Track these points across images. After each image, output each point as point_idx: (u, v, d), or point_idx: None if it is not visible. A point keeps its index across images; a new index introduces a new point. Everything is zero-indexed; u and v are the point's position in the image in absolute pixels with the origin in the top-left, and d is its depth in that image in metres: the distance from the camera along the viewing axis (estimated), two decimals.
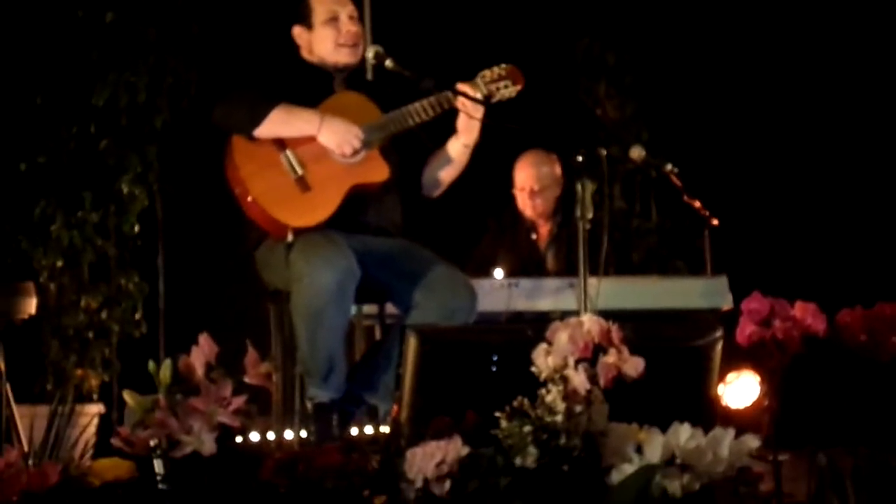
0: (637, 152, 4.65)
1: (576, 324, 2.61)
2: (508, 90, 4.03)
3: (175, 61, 5.85)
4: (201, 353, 2.15)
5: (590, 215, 3.99)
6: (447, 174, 4.14)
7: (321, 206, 3.92)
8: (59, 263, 5.85)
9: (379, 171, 3.99)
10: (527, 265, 5.18)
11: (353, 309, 4.03)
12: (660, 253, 5.86)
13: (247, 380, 2.20)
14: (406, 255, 4.03)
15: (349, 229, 3.94)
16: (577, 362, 2.59)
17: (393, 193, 4.10)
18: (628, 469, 2.58)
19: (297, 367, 4.03)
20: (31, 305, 4.68)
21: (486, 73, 4.05)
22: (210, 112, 3.96)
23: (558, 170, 5.36)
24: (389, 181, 4.01)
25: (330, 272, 3.77)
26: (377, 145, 4.00)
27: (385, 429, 3.21)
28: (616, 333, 2.62)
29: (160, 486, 2.13)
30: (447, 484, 2.35)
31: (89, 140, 5.90)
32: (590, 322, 2.61)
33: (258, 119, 3.88)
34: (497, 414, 2.62)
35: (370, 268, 3.91)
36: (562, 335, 2.60)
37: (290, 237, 3.85)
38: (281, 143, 3.95)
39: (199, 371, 2.14)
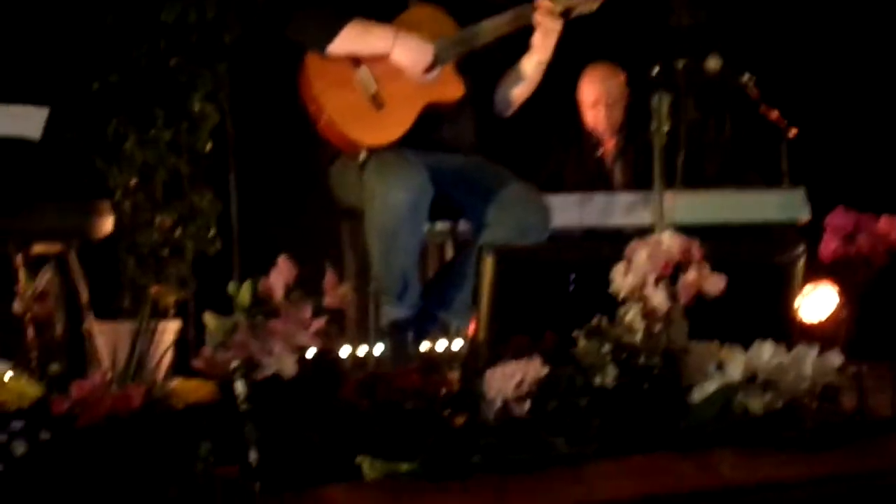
0: (713, 63, 4.55)
1: (655, 241, 2.57)
2: (587, 5, 3.95)
3: None
4: (280, 274, 2.14)
5: (666, 128, 3.93)
6: (520, 92, 4.09)
7: (395, 124, 3.89)
8: (133, 182, 5.87)
9: (454, 89, 3.95)
10: (594, 180, 5.13)
11: (426, 226, 4.00)
12: (735, 165, 5.76)
13: (326, 302, 2.19)
14: (480, 172, 4.00)
15: (423, 147, 3.92)
16: (656, 281, 2.55)
17: (467, 111, 4.05)
18: (709, 387, 2.55)
19: (371, 286, 4.03)
20: (107, 224, 4.70)
21: None
22: (283, 27, 3.93)
23: (624, 81, 5.26)
24: (463, 98, 3.97)
25: (404, 190, 3.75)
26: (452, 61, 3.95)
27: (458, 343, 3.20)
28: (697, 250, 2.57)
29: (241, 407, 2.13)
30: (527, 404, 2.34)
31: (160, 58, 5.89)
32: (670, 239, 2.57)
33: (332, 34, 3.85)
34: (575, 333, 2.60)
35: (443, 185, 3.89)
36: (641, 253, 2.57)
37: (363, 155, 3.83)
38: (355, 60, 3.91)
39: (279, 293, 2.13)
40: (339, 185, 4.03)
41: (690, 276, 2.56)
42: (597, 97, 5.28)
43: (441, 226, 4.50)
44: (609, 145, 5.29)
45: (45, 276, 2.39)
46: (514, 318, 2.69)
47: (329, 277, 2.22)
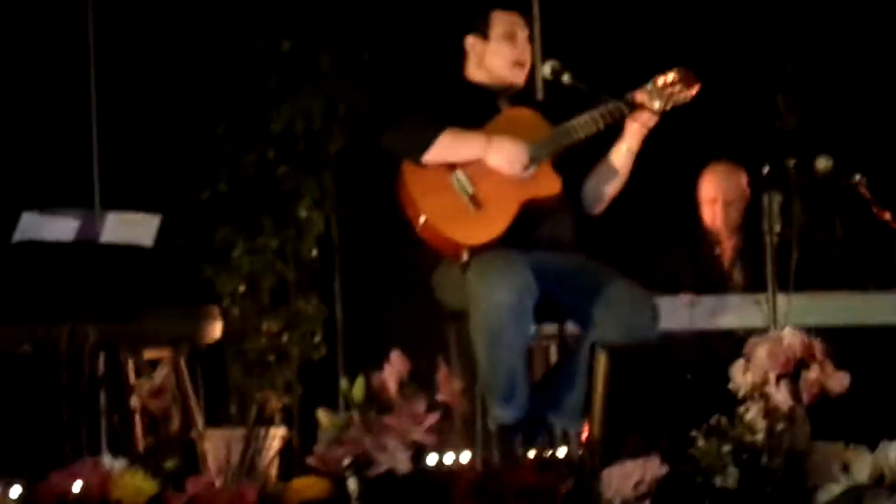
0: (823, 163, 4.48)
1: (776, 338, 2.51)
2: (683, 94, 3.93)
3: (348, 88, 5.91)
4: (394, 369, 2.12)
5: (777, 228, 3.87)
6: (611, 186, 4.05)
7: (494, 223, 3.88)
8: (241, 288, 5.94)
9: (551, 185, 3.94)
10: (710, 281, 5.05)
11: (532, 328, 3.96)
12: (846, 267, 5.65)
13: (439, 398, 2.16)
14: (583, 271, 3.96)
15: (524, 246, 3.89)
16: (777, 378, 2.48)
17: (566, 208, 4.03)
18: (835, 489, 2.46)
19: (477, 388, 3.99)
20: (215, 330, 4.75)
21: (659, 77, 3.96)
22: (379, 138, 3.98)
23: (745, 182, 5.21)
24: (561, 195, 3.95)
25: (507, 289, 3.72)
26: (548, 159, 3.94)
27: (564, 449, 3.14)
28: (819, 347, 2.50)
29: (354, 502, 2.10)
30: (646, 503, 2.27)
31: (267, 167, 6.00)
32: (790, 336, 2.51)
33: (426, 145, 3.87)
34: (693, 433, 2.53)
35: (547, 284, 3.86)
36: (761, 350, 2.51)
37: (465, 256, 3.83)
38: (451, 165, 3.93)
39: (392, 387, 2.11)
40: (442, 289, 4.02)
41: (813, 373, 2.48)
42: (716, 194, 5.22)
43: (548, 328, 4.46)
44: (727, 245, 5.22)
45: (163, 373, 2.40)
46: (628, 417, 2.63)
47: (442, 371, 2.20)
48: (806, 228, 5.51)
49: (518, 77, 4.02)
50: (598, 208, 4.12)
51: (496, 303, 3.74)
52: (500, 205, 3.91)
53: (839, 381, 2.49)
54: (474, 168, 3.92)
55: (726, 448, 2.47)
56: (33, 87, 5.38)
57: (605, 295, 3.85)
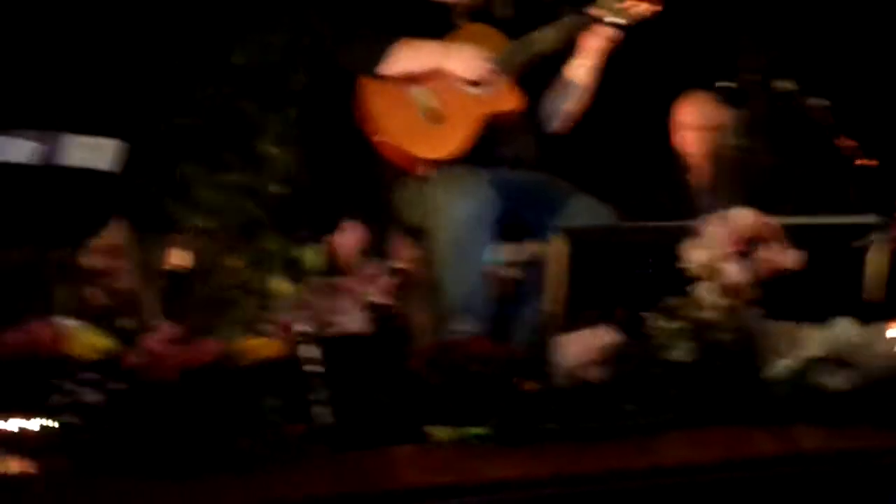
0: (783, 83, 4.48)
1: (730, 216, 2.53)
2: (643, 9, 3.91)
3: (311, 19, 5.86)
4: (349, 235, 2.13)
5: (738, 142, 3.89)
6: (568, 103, 4.04)
7: (454, 137, 3.87)
8: (205, 224, 5.89)
9: (511, 100, 3.93)
10: (686, 206, 5.06)
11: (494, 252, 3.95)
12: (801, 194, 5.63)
13: (395, 265, 2.18)
14: (545, 188, 3.96)
15: (485, 163, 3.89)
16: (731, 255, 2.51)
17: (528, 127, 4.03)
18: (784, 363, 2.49)
19: (435, 305, 3.99)
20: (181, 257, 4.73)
21: None
22: (337, 57, 3.96)
23: (718, 110, 5.21)
24: (523, 112, 3.95)
25: (468, 201, 3.72)
26: (508, 75, 3.93)
27: None
28: (771, 225, 2.53)
29: (308, 370, 2.11)
30: (600, 370, 2.29)
31: (229, 101, 5.94)
32: (743, 214, 2.53)
33: (381, 56, 3.85)
34: (647, 313, 2.56)
35: (509, 201, 3.86)
36: (713, 228, 2.53)
37: (425, 171, 3.83)
38: (409, 79, 3.92)
39: (348, 253, 2.12)
40: (404, 205, 4.01)
41: (765, 250, 2.51)
42: (693, 120, 5.23)
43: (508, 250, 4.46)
44: (700, 172, 5.24)
45: (115, 228, 2.40)
46: (584, 299, 2.65)
47: (397, 239, 2.21)
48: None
49: None
50: (555, 125, 4.10)
51: (457, 215, 3.74)
52: (461, 119, 3.90)
53: (792, 259, 2.52)
54: (434, 83, 3.91)
55: (679, 325, 2.49)
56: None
57: (567, 211, 3.85)
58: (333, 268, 2.12)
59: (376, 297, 2.07)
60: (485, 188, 3.78)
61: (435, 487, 1.91)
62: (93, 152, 4.54)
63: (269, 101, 5.89)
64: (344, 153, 4.58)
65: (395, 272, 2.13)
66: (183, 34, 5.71)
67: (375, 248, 2.20)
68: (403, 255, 2.20)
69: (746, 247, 2.51)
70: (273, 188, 5.92)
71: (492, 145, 3.93)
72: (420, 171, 3.84)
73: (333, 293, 2.06)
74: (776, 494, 2.15)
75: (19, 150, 4.40)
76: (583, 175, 4.16)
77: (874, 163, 4.69)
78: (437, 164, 3.84)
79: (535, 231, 4.01)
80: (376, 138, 3.90)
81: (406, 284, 2.15)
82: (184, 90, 5.81)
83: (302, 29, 5.88)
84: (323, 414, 2.08)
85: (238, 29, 5.73)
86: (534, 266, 4.03)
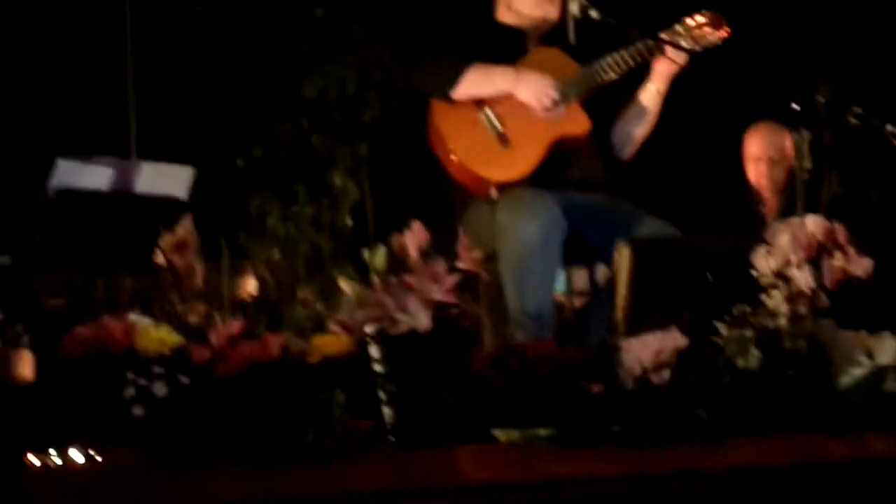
0: (854, 115, 4.45)
1: (798, 223, 2.51)
2: (711, 37, 3.92)
3: (383, 55, 5.93)
4: (414, 236, 2.15)
5: (808, 165, 3.86)
6: (639, 128, 4.04)
7: (523, 161, 3.89)
8: (276, 256, 5.96)
9: (580, 124, 3.94)
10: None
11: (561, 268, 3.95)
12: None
13: (460, 265, 2.19)
14: (613, 210, 3.96)
15: (552, 185, 3.90)
16: (799, 262, 2.49)
17: (595, 149, 4.04)
18: (858, 372, 2.46)
19: (507, 328, 3.99)
20: (250, 285, 4.78)
21: (688, 19, 3.96)
22: (408, 77, 4.01)
23: (790, 143, 5.18)
24: (590, 135, 3.96)
25: (536, 223, 3.73)
26: (577, 99, 3.95)
27: None
28: (841, 232, 2.50)
29: (376, 368, 2.12)
30: (666, 373, 2.28)
31: (301, 135, 6.03)
32: (812, 221, 2.51)
33: (454, 80, 3.88)
34: (716, 322, 2.54)
35: (576, 223, 3.86)
36: (783, 235, 2.51)
37: (493, 194, 3.84)
38: (479, 102, 3.95)
39: (413, 252, 2.14)
40: (472, 229, 4.01)
41: (836, 258, 2.48)
42: (761, 152, 5.21)
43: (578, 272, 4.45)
44: (770, 204, 5.20)
45: (184, 226, 2.43)
46: (650, 307, 2.63)
47: (462, 241, 2.22)
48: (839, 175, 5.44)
49: (546, 12, 4.02)
50: (628, 151, 4.11)
51: (525, 236, 3.75)
52: (530, 143, 3.92)
53: (862, 266, 2.49)
54: (503, 105, 3.93)
55: (749, 332, 2.47)
56: (70, 36, 5.44)
57: (635, 231, 3.84)
58: (399, 267, 2.13)
59: (440, 296, 2.07)
60: (552, 210, 3.79)
61: (499, 484, 1.90)
62: (169, 180, 4.60)
63: (341, 134, 5.96)
64: (414, 178, 4.61)
65: (459, 272, 2.13)
66: (259, 67, 5.81)
67: (440, 249, 2.21)
68: (468, 255, 2.20)
69: (816, 254, 2.48)
70: (342, 220, 5.98)
71: (559, 168, 3.94)
72: (489, 193, 3.85)
73: (398, 292, 2.07)
74: (847, 499, 2.11)
75: (97, 176, 4.47)
76: (651, 201, 4.15)
77: None
78: (506, 186, 3.86)
79: (603, 254, 4.00)
80: (448, 161, 3.92)
81: (471, 285, 2.15)
82: (258, 123, 5.91)
83: (373, 62, 5.96)
84: (388, 412, 2.08)
85: (309, 62, 5.82)
86: (602, 292, 4.02)
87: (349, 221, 6.04)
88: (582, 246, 3.97)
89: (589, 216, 3.92)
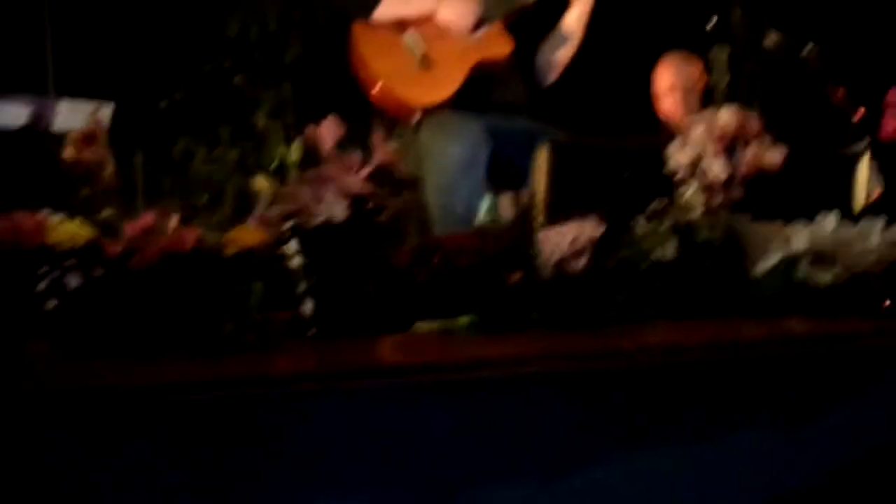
0: (772, 38, 4.48)
1: (711, 115, 2.53)
2: None
3: None
4: (329, 129, 2.14)
5: (726, 81, 3.87)
6: (562, 53, 4.06)
7: (446, 83, 3.89)
8: (203, 199, 5.90)
9: (502, 46, 3.95)
10: None
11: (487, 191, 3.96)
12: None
13: (375, 157, 2.18)
14: (535, 133, 3.97)
15: (476, 108, 3.91)
16: (714, 153, 2.51)
17: (517, 73, 4.04)
18: (772, 259, 2.49)
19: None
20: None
21: None
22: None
23: (701, 69, 5.20)
24: (513, 58, 3.96)
25: (459, 142, 3.74)
26: (499, 20, 3.95)
27: None
28: (754, 123, 2.53)
29: (292, 264, 2.12)
30: (583, 260, 2.29)
31: (224, 75, 5.95)
32: (726, 113, 2.54)
33: None
34: (634, 217, 2.56)
35: (500, 146, 3.87)
36: (697, 128, 2.53)
37: (416, 117, 3.84)
38: (401, 25, 3.94)
39: (328, 143, 2.13)
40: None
41: (749, 148, 2.51)
42: (672, 82, 5.20)
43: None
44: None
45: (93, 118, 2.40)
46: (569, 204, 2.64)
47: (377, 134, 2.22)
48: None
49: None
50: (551, 76, 4.13)
51: (449, 157, 3.76)
52: (452, 65, 3.92)
53: (774, 156, 2.52)
54: (426, 28, 3.93)
55: (665, 225, 2.49)
56: None
57: None
58: (314, 160, 2.12)
59: (356, 186, 2.07)
60: (476, 131, 3.80)
61: (416, 364, 1.91)
62: (86, 116, 4.53)
63: (263, 75, 5.91)
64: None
65: (374, 163, 2.13)
66: (179, 6, 5.73)
67: (355, 143, 2.20)
68: (384, 148, 2.19)
69: (730, 144, 2.50)
70: (268, 162, 5.93)
71: (482, 91, 3.94)
72: (411, 116, 3.85)
73: (313, 183, 2.06)
74: (761, 376, 2.14)
75: (10, 114, 4.40)
76: (573, 122, 4.16)
77: (862, 111, 4.66)
78: (429, 109, 3.85)
79: (526, 178, 4.01)
80: (370, 82, 3.90)
81: (387, 178, 2.15)
82: (180, 64, 5.83)
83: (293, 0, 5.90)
84: (307, 304, 2.08)
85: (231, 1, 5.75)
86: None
87: (275, 163, 6.01)
88: (506, 170, 3.98)
89: (512, 140, 3.93)
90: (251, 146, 6.01)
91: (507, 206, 4.34)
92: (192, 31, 5.85)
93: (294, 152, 2.17)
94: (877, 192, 4.16)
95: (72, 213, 2.15)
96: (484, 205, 4.10)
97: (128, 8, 5.66)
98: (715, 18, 3.89)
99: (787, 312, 2.41)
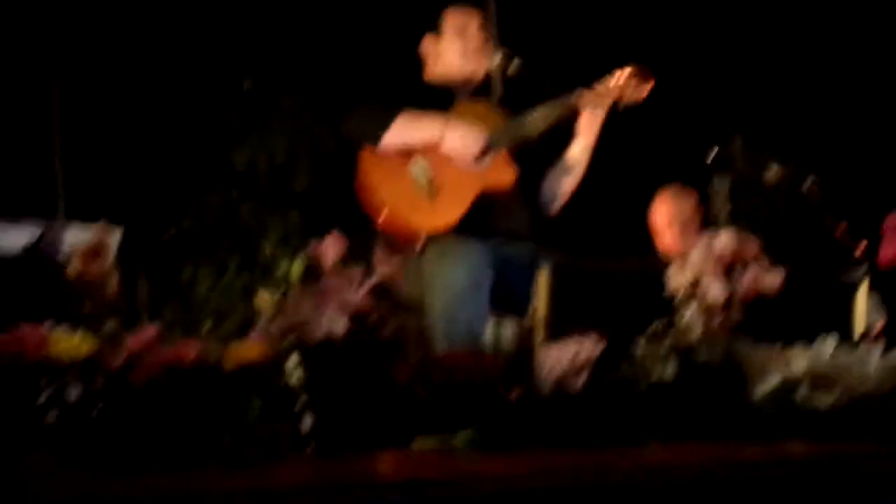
0: (773, 171, 4.55)
1: (709, 238, 2.57)
2: (637, 90, 4.03)
3: (311, 124, 6.00)
4: (331, 246, 2.17)
5: (726, 211, 3.93)
6: (566, 184, 4.12)
7: (449, 211, 3.94)
8: (207, 326, 5.93)
9: (506, 175, 4.01)
10: None
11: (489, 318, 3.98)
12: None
13: (377, 271, 2.21)
14: (537, 257, 4.01)
15: (479, 235, 3.95)
16: (712, 275, 2.54)
17: (522, 201, 4.10)
18: (772, 382, 2.50)
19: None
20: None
21: (615, 73, 4.07)
22: (340, 128, 4.06)
23: (697, 201, 5.27)
24: (517, 187, 4.02)
25: (463, 268, 3.77)
26: (505, 150, 4.02)
27: None
28: (752, 246, 2.56)
29: (291, 380, 2.13)
30: (582, 379, 2.30)
31: (231, 205, 6.04)
32: (725, 236, 2.57)
33: (384, 125, 3.95)
34: (634, 338, 2.57)
35: (503, 273, 3.90)
36: (696, 250, 2.56)
37: (420, 243, 3.88)
38: (407, 153, 4.00)
39: (329, 260, 2.16)
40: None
41: (748, 270, 2.54)
42: (670, 218, 5.26)
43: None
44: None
45: (98, 232, 2.43)
46: (568, 323, 2.66)
47: (379, 249, 2.25)
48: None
49: (472, 64, 4.11)
50: (555, 207, 4.18)
51: (453, 283, 3.78)
52: (456, 193, 3.97)
53: (773, 280, 2.55)
54: (431, 155, 3.99)
55: (664, 346, 2.51)
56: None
57: None
58: (316, 275, 2.15)
59: (357, 301, 2.09)
60: (479, 257, 3.83)
61: (416, 480, 1.91)
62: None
63: (271, 203, 5.99)
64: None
65: (376, 278, 2.16)
66: (189, 137, 5.85)
67: (357, 258, 2.23)
68: (385, 265, 2.22)
69: (728, 267, 2.53)
70: (274, 291, 5.95)
71: (486, 219, 3.99)
72: (416, 242, 3.89)
73: (314, 298, 2.09)
74: (760, 498, 2.13)
75: (18, 237, 4.45)
76: (575, 250, 4.20)
77: (864, 244, 4.69)
78: (433, 235, 3.89)
79: (529, 305, 4.04)
80: (377, 209, 3.95)
81: (388, 294, 2.18)
82: (189, 193, 5.91)
83: (303, 131, 6.02)
84: (307, 419, 2.09)
85: (238, 134, 5.87)
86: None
87: (281, 291, 6.04)
88: (509, 297, 4.00)
89: (516, 267, 3.96)
90: (258, 273, 6.07)
91: (510, 333, 4.36)
92: (201, 160, 5.97)
93: (296, 267, 2.19)
94: (880, 323, 4.17)
95: (75, 327, 2.17)
96: (488, 331, 4.12)
97: (138, 137, 5.77)
98: (715, 149, 3.96)
99: (786, 435, 2.41)
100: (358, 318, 2.14)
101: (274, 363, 2.13)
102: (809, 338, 2.66)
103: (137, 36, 5.66)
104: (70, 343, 2.05)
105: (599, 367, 2.33)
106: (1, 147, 5.46)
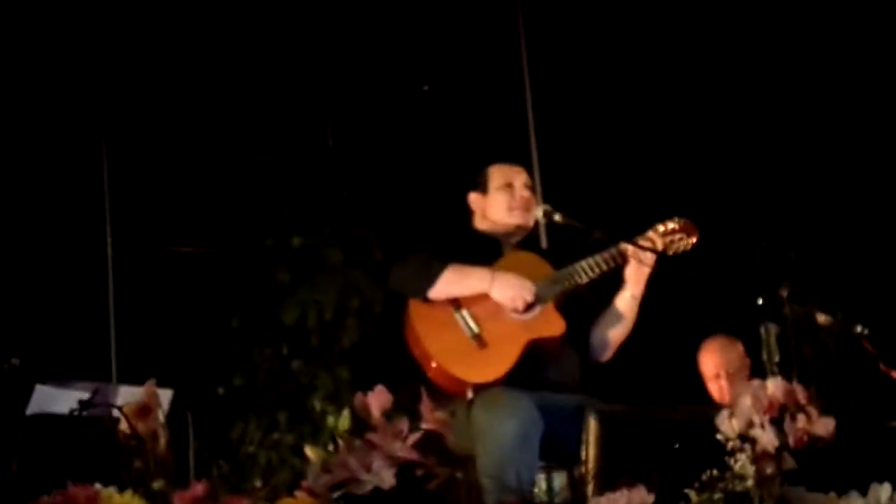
0: (822, 317, 4.52)
1: (759, 385, 2.55)
2: (683, 242, 4.05)
3: (360, 280, 6.06)
4: (377, 399, 2.18)
5: (776, 358, 3.90)
6: (616, 332, 4.11)
7: (499, 362, 3.92)
8: (257, 484, 5.92)
9: (555, 326, 4.00)
10: None
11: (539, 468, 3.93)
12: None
13: (423, 425, 2.21)
14: (587, 408, 3.97)
15: (529, 386, 3.92)
16: (762, 422, 2.51)
17: (571, 351, 4.08)
18: None
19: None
20: None
21: (660, 225, 4.09)
22: (388, 279, 4.08)
23: (742, 350, 5.24)
24: (565, 337, 4.01)
25: (513, 422, 3.73)
26: (551, 301, 4.03)
27: None
28: (802, 393, 2.54)
29: None
30: None
31: (282, 361, 6.09)
32: (773, 383, 2.55)
33: (432, 279, 3.96)
34: (686, 490, 2.54)
35: (553, 424, 3.87)
36: (745, 398, 2.54)
37: (469, 394, 3.86)
38: (455, 303, 4.01)
39: (376, 412, 2.16)
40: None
41: (798, 418, 2.51)
42: (717, 369, 5.23)
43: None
44: None
45: (148, 391, 2.45)
46: (619, 473, 2.63)
47: (425, 400, 2.25)
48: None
49: (518, 218, 4.14)
50: (605, 355, 4.16)
51: (502, 435, 3.74)
52: (505, 344, 3.96)
53: (825, 426, 2.52)
54: (479, 306, 4.00)
55: (717, 496, 2.47)
56: (56, 270, 5.56)
57: None
58: (363, 427, 2.15)
59: (404, 453, 2.09)
60: (529, 409, 3.80)
61: None
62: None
63: (320, 359, 6.02)
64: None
65: (423, 431, 2.16)
66: (235, 297, 5.92)
67: (404, 411, 2.23)
68: (431, 416, 2.22)
69: (778, 414, 2.51)
70: (324, 446, 5.94)
71: (535, 369, 3.97)
72: (465, 394, 3.87)
73: (362, 451, 2.09)
74: None
75: (72, 400, 4.49)
76: (627, 397, 4.17)
77: None
78: (482, 387, 3.88)
79: (576, 455, 3.99)
80: (425, 361, 3.95)
81: (436, 446, 2.17)
82: (237, 352, 5.97)
83: (351, 287, 6.08)
84: None
85: (288, 290, 5.94)
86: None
87: (331, 447, 6.02)
88: (560, 448, 3.96)
89: (565, 417, 3.92)
90: (308, 429, 6.06)
91: (560, 485, 4.31)
92: (252, 317, 6.04)
93: (343, 421, 2.20)
94: None
95: (123, 486, 2.17)
96: (538, 483, 4.07)
97: (190, 295, 5.85)
98: (763, 297, 3.95)
99: None
100: (405, 470, 2.13)
101: None
102: (863, 485, 2.61)
103: (189, 200, 5.80)
104: (120, 502, 2.05)
105: None
106: (57, 311, 5.55)
